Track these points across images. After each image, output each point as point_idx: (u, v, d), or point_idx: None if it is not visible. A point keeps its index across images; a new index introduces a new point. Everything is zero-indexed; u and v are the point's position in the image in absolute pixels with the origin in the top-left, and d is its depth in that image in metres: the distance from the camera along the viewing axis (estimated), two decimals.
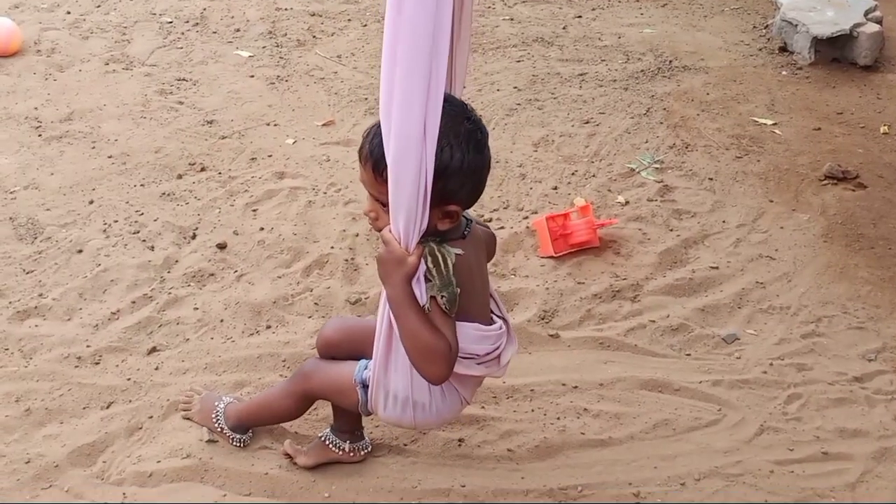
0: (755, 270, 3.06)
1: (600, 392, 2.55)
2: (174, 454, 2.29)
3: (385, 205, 1.74)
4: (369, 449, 2.31)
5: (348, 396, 2.06)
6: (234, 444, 2.31)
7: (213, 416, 2.33)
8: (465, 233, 1.84)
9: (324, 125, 3.87)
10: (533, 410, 2.49)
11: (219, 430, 2.32)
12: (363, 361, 2.04)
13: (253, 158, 3.60)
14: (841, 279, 3.03)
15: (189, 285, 2.91)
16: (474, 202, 1.81)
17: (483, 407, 2.49)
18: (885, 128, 3.93)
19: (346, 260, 3.03)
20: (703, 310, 2.88)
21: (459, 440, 2.38)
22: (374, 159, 1.72)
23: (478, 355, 1.88)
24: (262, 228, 3.18)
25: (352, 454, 2.28)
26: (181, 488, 2.22)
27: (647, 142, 3.81)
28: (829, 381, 2.60)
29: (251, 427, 2.34)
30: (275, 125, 3.86)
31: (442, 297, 1.74)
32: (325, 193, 3.39)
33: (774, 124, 3.97)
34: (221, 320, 2.76)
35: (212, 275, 2.95)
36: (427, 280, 1.75)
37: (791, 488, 2.26)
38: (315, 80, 4.24)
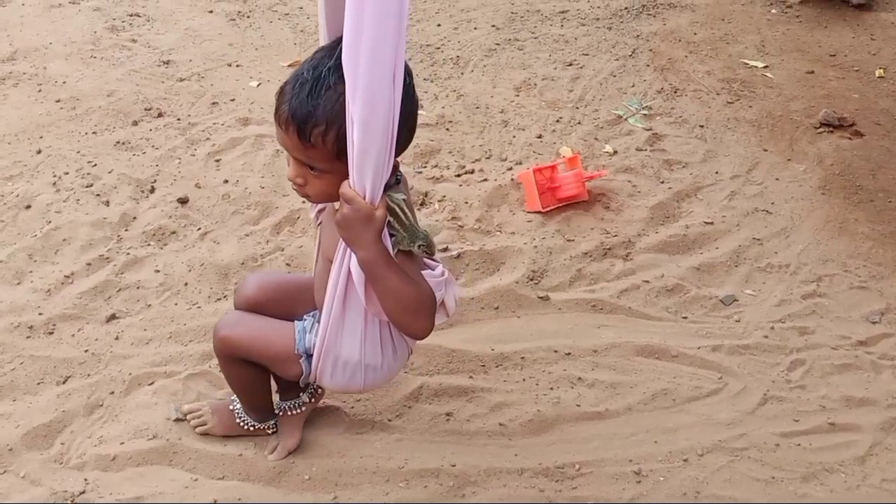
0: (751, 226, 2.91)
1: (595, 359, 2.41)
2: (139, 434, 2.11)
3: (313, 168, 1.60)
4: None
5: (283, 365, 1.88)
6: (270, 431, 2.12)
7: (238, 421, 2.11)
8: (399, 178, 1.68)
9: (289, 66, 3.61)
10: (524, 380, 2.34)
11: (250, 429, 2.11)
12: (300, 325, 1.86)
13: (214, 103, 3.35)
14: (840, 235, 2.89)
15: (149, 244, 2.68)
16: (406, 148, 1.66)
17: (471, 377, 2.33)
18: (881, 71, 3.77)
19: None
20: (699, 269, 2.73)
21: (447, 414, 2.23)
22: (297, 122, 1.54)
23: None
24: (226, 181, 2.95)
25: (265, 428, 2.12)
26: (148, 472, 2.05)
27: (633, 86, 3.61)
28: (832, 346, 2.48)
29: (259, 408, 2.11)
30: (237, 66, 3.59)
31: (419, 246, 1.61)
32: None
33: (766, 67, 3.79)
34: (186, 283, 2.55)
35: (173, 233, 2.73)
36: (391, 235, 1.60)
37: (798, 462, 2.15)
38: (279, 17, 3.95)
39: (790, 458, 2.16)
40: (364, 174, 1.50)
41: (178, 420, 2.14)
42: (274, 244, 2.71)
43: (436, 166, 3.10)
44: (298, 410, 2.11)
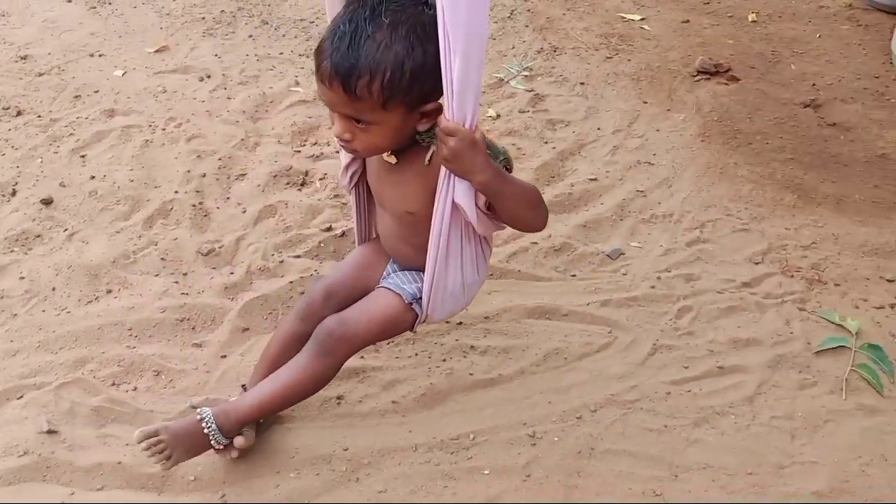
0: (634, 178, 2.92)
1: (486, 326, 2.37)
2: (9, 452, 1.99)
3: (359, 121, 1.61)
4: None
5: (401, 323, 1.89)
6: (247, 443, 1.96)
7: (210, 438, 1.84)
8: None
9: (157, 51, 3.46)
10: (416, 354, 2.29)
11: (223, 447, 1.90)
12: (391, 283, 1.90)
13: (77, 96, 3.18)
14: (721, 180, 2.92)
15: (12, 251, 2.53)
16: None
17: (362, 357, 2.27)
18: (753, 15, 3.82)
19: (194, 205, 2.71)
20: (585, 226, 2.72)
21: (338, 398, 2.16)
22: (341, 76, 1.55)
23: None
24: (92, 177, 2.80)
25: None
26: (22, 490, 1.93)
27: (513, 47, 3.58)
28: (718, 290, 2.50)
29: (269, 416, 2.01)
30: (100, 56, 3.42)
31: (501, 160, 1.69)
32: (163, 130, 3.02)
33: (642, 20, 3.80)
34: (53, 289, 2.41)
35: (38, 236, 2.58)
36: None
37: (690, 409, 2.15)
38: (143, 1, 3.78)
39: (681, 405, 2.17)
40: (465, 102, 1.53)
41: (49, 433, 2.02)
42: (147, 239, 2.59)
43: (315, 143, 3.01)
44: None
